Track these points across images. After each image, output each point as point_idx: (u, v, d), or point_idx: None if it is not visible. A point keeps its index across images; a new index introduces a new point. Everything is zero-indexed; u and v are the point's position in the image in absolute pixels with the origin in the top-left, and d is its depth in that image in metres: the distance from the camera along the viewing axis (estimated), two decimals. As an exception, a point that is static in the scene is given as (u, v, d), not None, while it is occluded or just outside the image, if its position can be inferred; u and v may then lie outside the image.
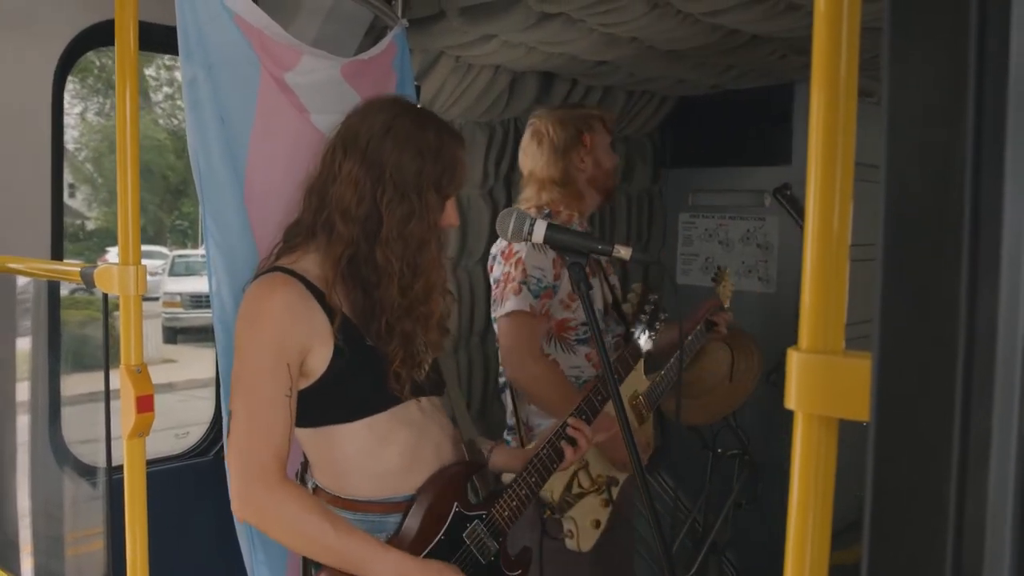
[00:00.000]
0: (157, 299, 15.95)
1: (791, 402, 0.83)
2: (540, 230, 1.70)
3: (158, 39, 2.13)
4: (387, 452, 1.85)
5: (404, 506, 1.87)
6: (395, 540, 1.85)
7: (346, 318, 1.79)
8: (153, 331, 14.08)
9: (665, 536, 1.71)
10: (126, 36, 1.74)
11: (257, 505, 1.74)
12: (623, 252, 1.66)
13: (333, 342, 1.76)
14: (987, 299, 0.61)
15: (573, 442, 2.05)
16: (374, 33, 2.66)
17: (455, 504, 1.91)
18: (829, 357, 0.80)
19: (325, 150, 1.88)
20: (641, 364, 2.71)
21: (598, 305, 2.71)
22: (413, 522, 1.86)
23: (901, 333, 0.66)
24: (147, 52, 1.92)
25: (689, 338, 2.83)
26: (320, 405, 1.82)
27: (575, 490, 2.55)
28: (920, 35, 0.63)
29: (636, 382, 2.73)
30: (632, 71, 3.35)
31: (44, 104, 2.53)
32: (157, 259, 18.62)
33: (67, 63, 2.55)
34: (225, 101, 1.96)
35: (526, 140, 2.81)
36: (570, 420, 2.06)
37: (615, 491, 2.64)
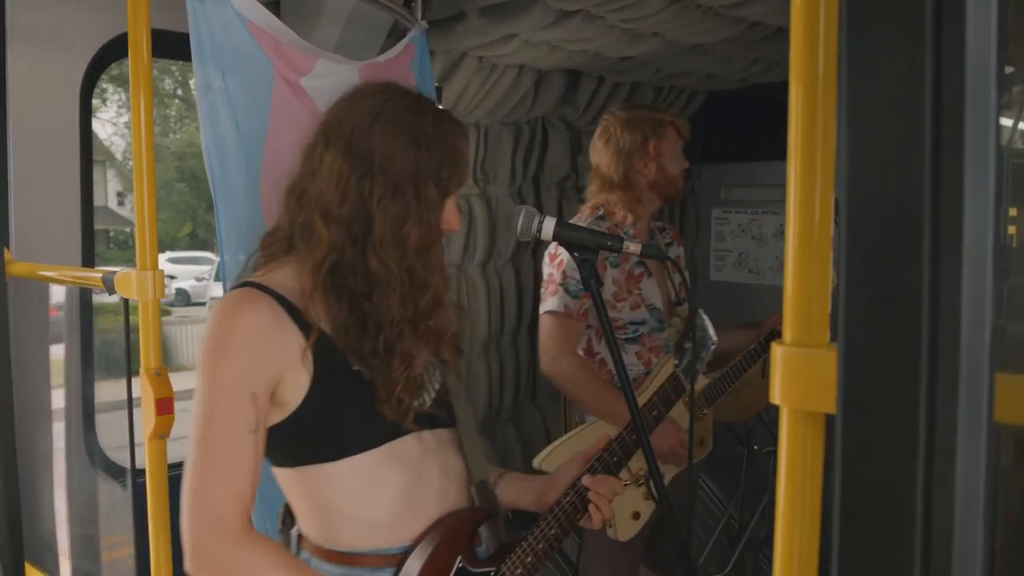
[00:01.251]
0: (204, 304, 16.17)
1: (775, 397, 0.83)
2: (549, 227, 1.70)
3: (173, 47, 2.16)
4: (378, 496, 1.57)
5: (399, 559, 1.59)
6: None
7: (326, 337, 1.51)
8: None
9: (681, 536, 1.71)
10: (139, 44, 1.77)
11: (215, 564, 1.45)
12: (632, 248, 1.66)
13: (311, 367, 1.50)
14: (950, 291, 0.60)
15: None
16: (395, 36, 2.68)
17: (458, 558, 1.63)
18: (812, 351, 0.79)
19: (306, 144, 1.64)
20: None
21: (658, 302, 2.75)
22: None
23: (865, 326, 0.65)
24: (162, 60, 1.95)
25: (750, 348, 2.83)
26: (297, 442, 1.56)
27: None
28: (878, 28, 0.62)
29: None
30: (658, 67, 3.34)
31: (72, 116, 2.58)
32: (205, 264, 18.89)
33: (93, 75, 2.60)
34: (239, 106, 1.98)
35: (596, 136, 2.85)
36: (585, 481, 1.72)
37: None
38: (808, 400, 0.80)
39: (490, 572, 1.66)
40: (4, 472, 2.24)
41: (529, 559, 1.67)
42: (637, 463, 2.61)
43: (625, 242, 1.66)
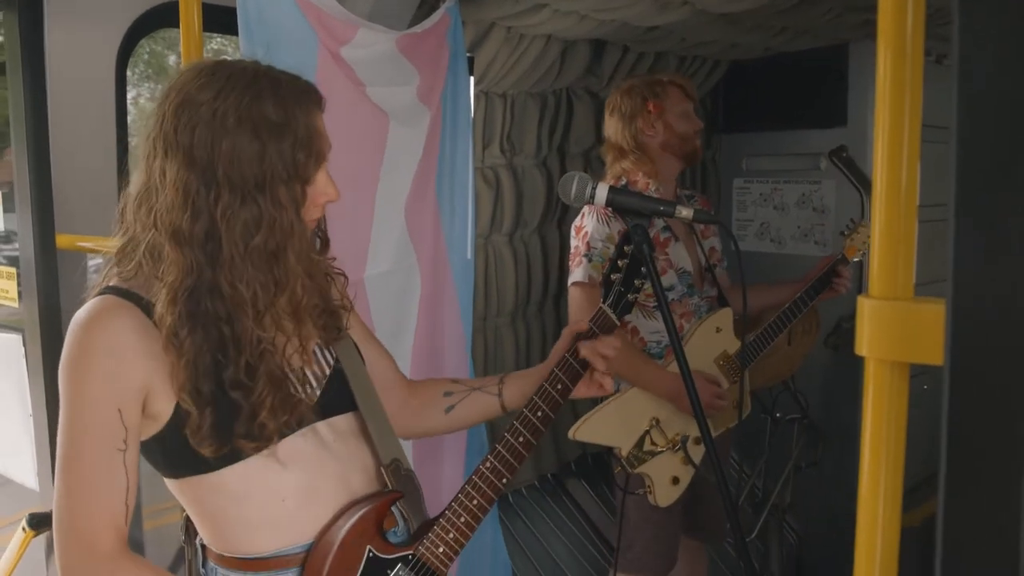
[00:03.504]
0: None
1: (862, 348, 0.85)
2: (602, 193, 1.72)
3: (219, 20, 2.18)
4: (269, 499, 1.49)
5: (302, 558, 1.51)
6: None
7: (193, 372, 1.38)
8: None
9: (730, 495, 1.72)
10: (191, 17, 1.79)
11: None
12: (684, 213, 1.68)
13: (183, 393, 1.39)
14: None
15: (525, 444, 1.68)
16: (427, 5, 2.68)
17: (367, 547, 1.54)
18: (900, 303, 0.81)
19: (143, 152, 1.45)
20: (730, 324, 2.77)
21: (689, 267, 2.77)
22: None
23: (974, 277, 0.67)
24: (208, 33, 1.97)
25: (798, 296, 2.84)
26: (174, 454, 1.45)
27: (646, 447, 2.61)
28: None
29: (726, 342, 2.78)
30: (684, 36, 3.34)
31: (108, 87, 2.60)
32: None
33: (128, 46, 2.62)
34: None
35: (605, 112, 2.89)
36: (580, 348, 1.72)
37: (696, 450, 2.68)
38: (894, 351, 0.82)
39: (407, 555, 1.58)
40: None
41: (451, 535, 1.61)
42: (673, 429, 2.66)
43: (677, 207, 1.68)
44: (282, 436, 1.47)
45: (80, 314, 1.42)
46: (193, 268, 1.38)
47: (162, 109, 1.42)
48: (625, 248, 1.74)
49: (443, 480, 2.76)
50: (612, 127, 2.83)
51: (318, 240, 1.61)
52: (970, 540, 0.68)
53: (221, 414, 1.40)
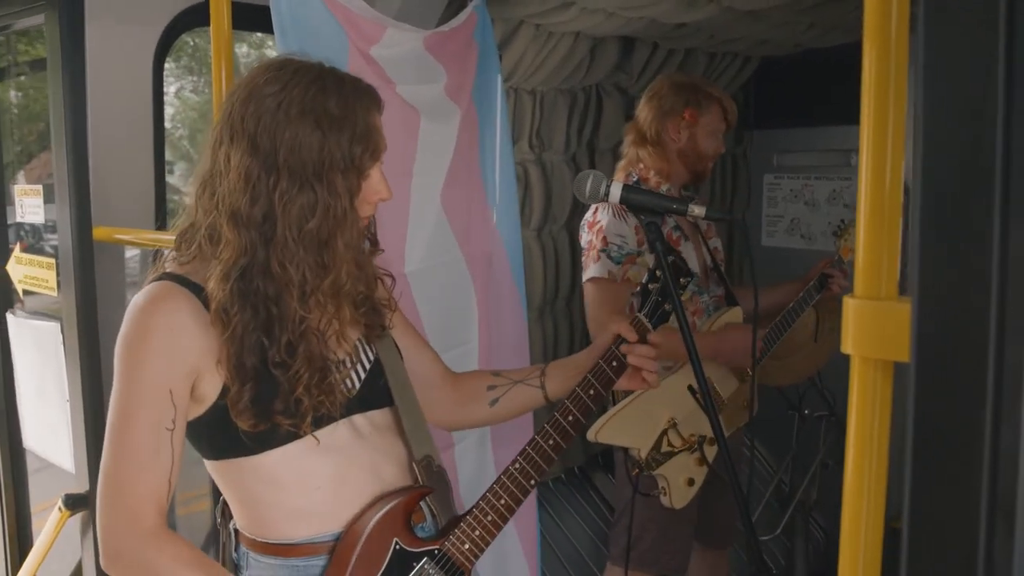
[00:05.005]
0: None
1: (847, 346, 0.87)
2: (616, 191, 1.74)
3: (252, 18, 2.23)
4: (305, 486, 1.54)
5: (331, 547, 1.56)
6: None
7: (239, 348, 1.46)
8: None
9: (742, 494, 1.74)
10: (220, 16, 1.84)
11: (126, 561, 1.44)
12: (697, 211, 1.70)
13: (224, 367, 1.47)
14: (1019, 239, 0.64)
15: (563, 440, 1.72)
16: (455, 4, 2.72)
17: (394, 540, 1.57)
18: (882, 303, 0.83)
19: (212, 139, 1.53)
20: (740, 322, 2.77)
21: (696, 267, 2.76)
22: (338, 568, 1.54)
23: (938, 275, 0.70)
24: (241, 31, 2.02)
25: (800, 296, 2.85)
26: (218, 435, 1.52)
27: (664, 448, 2.61)
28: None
29: None
30: (712, 33, 3.35)
31: (145, 84, 2.67)
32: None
33: (165, 44, 2.69)
34: None
35: (646, 94, 2.87)
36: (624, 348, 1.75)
37: (711, 450, 2.69)
38: (878, 349, 0.84)
39: (433, 550, 1.61)
40: (94, 420, 2.35)
41: (476, 532, 1.63)
42: (688, 429, 2.66)
43: (690, 205, 1.70)
44: (320, 425, 1.52)
45: (138, 298, 1.50)
46: (248, 248, 1.46)
47: (231, 101, 1.51)
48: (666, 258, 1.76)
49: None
50: (644, 112, 2.81)
51: (367, 242, 1.66)
52: (935, 529, 0.71)
53: (261, 389, 1.46)
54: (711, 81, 2.90)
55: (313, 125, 1.45)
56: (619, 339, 1.77)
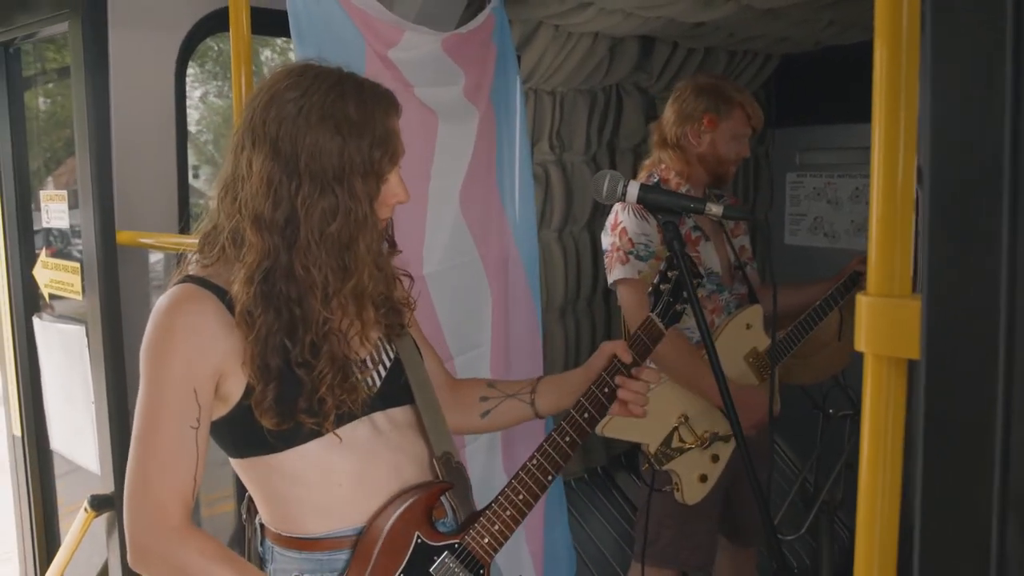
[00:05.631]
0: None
1: (860, 344, 0.87)
2: (633, 190, 1.74)
3: (272, 23, 2.24)
4: (328, 482, 1.58)
5: (354, 540, 1.59)
6: None
7: (263, 349, 1.48)
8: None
9: (763, 494, 1.74)
10: (240, 21, 1.86)
11: (153, 558, 1.47)
12: (715, 210, 1.70)
13: (249, 368, 1.49)
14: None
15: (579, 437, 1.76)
16: (474, 7, 2.73)
17: (416, 534, 1.60)
18: (895, 300, 0.83)
19: (233, 144, 1.56)
20: (760, 321, 2.77)
21: (716, 267, 2.76)
22: (361, 562, 1.57)
23: (947, 273, 0.70)
24: (260, 36, 2.04)
25: (828, 294, 2.85)
26: (241, 434, 1.56)
27: (675, 444, 2.61)
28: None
29: (756, 339, 2.77)
30: (732, 31, 3.34)
31: (168, 89, 2.69)
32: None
33: (187, 50, 2.70)
34: None
35: (673, 95, 2.85)
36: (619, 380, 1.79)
37: (725, 448, 2.68)
38: (891, 346, 0.84)
39: (453, 544, 1.63)
40: (118, 422, 2.37)
41: (496, 526, 1.66)
42: (701, 426, 2.65)
43: (708, 204, 1.70)
44: (342, 423, 1.55)
45: (162, 300, 1.53)
46: (271, 252, 1.48)
47: (252, 106, 1.54)
48: (676, 260, 1.78)
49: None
50: (668, 114, 2.80)
51: (385, 244, 1.68)
52: (947, 524, 0.71)
53: (285, 389, 1.49)
54: (737, 84, 2.88)
55: (333, 131, 1.47)
56: (615, 360, 1.80)
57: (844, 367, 3.35)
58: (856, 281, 2.83)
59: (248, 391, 1.50)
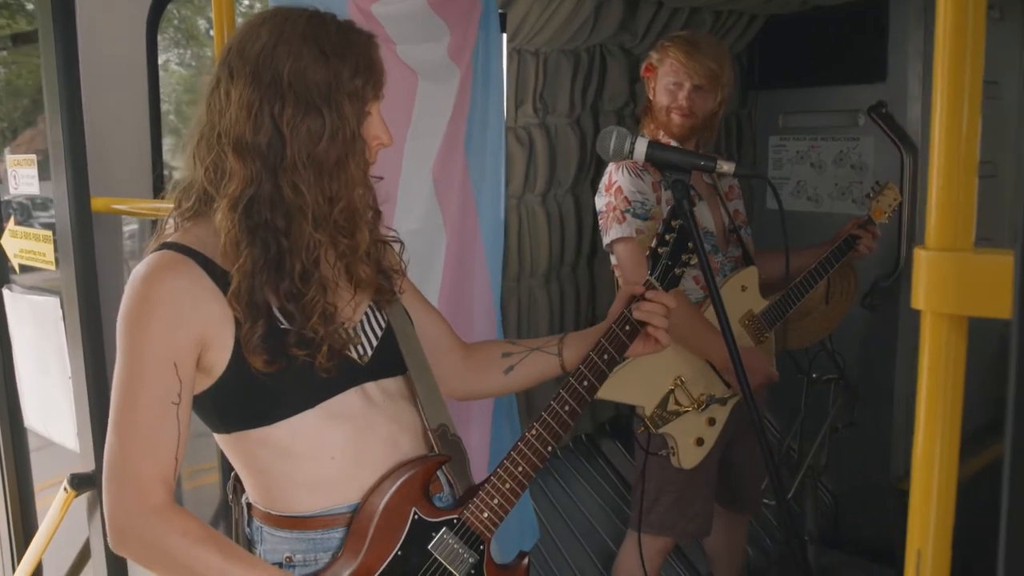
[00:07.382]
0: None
1: (918, 302, 0.82)
2: (641, 147, 1.69)
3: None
4: (319, 457, 1.51)
5: (348, 518, 1.52)
6: (338, 561, 1.51)
7: (250, 284, 1.42)
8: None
9: (772, 457, 1.70)
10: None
11: (134, 538, 1.40)
12: (725, 167, 1.65)
13: (234, 331, 1.42)
14: None
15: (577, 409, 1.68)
16: (458, -38, 2.64)
17: (413, 510, 1.53)
18: (960, 254, 0.78)
19: (208, 84, 1.49)
20: (756, 283, 2.74)
21: (711, 227, 2.74)
22: (357, 540, 1.50)
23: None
24: None
25: (823, 258, 2.81)
26: (227, 408, 1.49)
27: (670, 407, 2.59)
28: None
29: (751, 301, 2.74)
30: (718, -10, 3.28)
31: (139, 52, 2.61)
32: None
33: (157, 11, 2.61)
34: None
35: None
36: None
37: (721, 411, 2.66)
38: (953, 304, 0.80)
39: (452, 519, 1.58)
40: (97, 397, 2.30)
41: (495, 500, 1.60)
42: (697, 388, 2.63)
43: (718, 161, 1.65)
44: (331, 393, 1.50)
45: (139, 268, 1.44)
46: (254, 178, 1.42)
47: (227, 47, 1.49)
48: (673, 222, 1.73)
49: (470, 448, 2.75)
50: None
51: (370, 212, 1.60)
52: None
53: (273, 324, 1.43)
54: (696, 35, 2.81)
55: (317, 51, 1.42)
56: (632, 300, 1.74)
57: (831, 331, 3.33)
58: (852, 245, 2.80)
59: (232, 362, 1.43)
